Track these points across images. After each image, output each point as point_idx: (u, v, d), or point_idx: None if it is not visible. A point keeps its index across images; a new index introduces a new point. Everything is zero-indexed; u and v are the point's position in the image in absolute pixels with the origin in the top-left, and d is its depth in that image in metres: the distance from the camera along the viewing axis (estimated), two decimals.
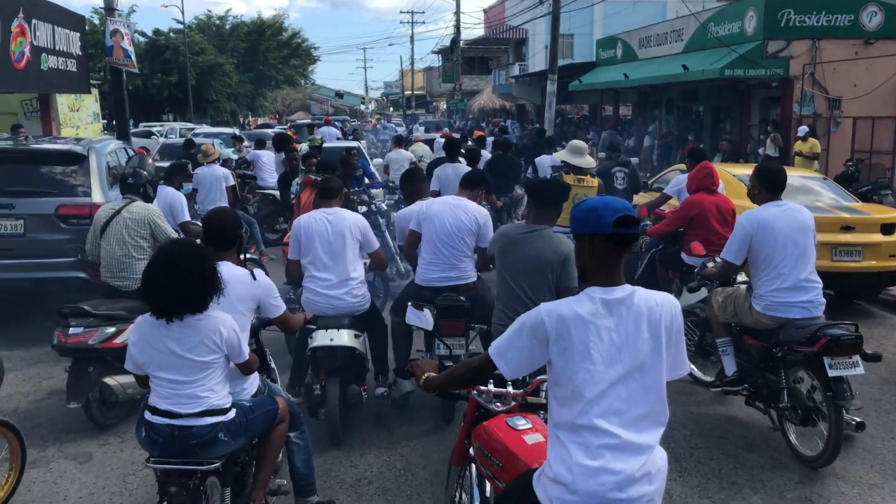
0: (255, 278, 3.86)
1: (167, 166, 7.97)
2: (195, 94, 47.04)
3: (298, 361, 5.45)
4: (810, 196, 8.44)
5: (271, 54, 57.33)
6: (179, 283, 3.23)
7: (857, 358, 4.42)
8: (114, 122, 17.40)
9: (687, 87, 22.64)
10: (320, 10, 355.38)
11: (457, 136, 16.34)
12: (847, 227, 7.64)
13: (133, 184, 5.70)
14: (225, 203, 9.79)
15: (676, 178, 8.25)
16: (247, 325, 3.81)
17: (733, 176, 8.92)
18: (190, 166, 7.98)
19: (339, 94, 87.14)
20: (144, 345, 3.31)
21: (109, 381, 4.92)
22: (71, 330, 4.97)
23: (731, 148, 18.40)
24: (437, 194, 9.64)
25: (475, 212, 5.46)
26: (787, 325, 4.70)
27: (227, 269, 3.71)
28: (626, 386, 2.41)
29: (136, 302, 5.22)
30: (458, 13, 40.93)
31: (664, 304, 2.50)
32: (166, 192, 7.07)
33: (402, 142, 16.12)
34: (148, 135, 31.74)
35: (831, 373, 4.37)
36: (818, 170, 14.12)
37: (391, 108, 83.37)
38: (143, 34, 48.96)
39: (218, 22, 56.97)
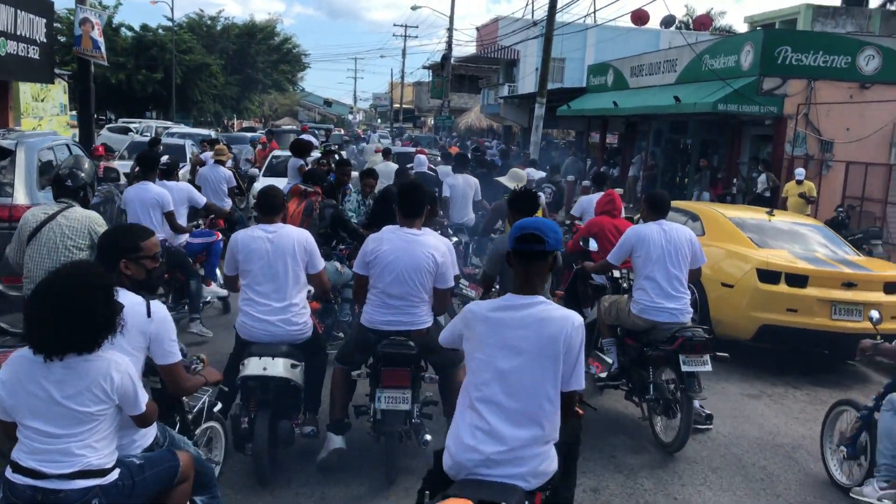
0: (149, 313, 3.14)
1: (162, 162, 7.77)
2: (180, 93, 46.23)
3: (224, 389, 4.79)
4: (807, 246, 7.83)
5: (261, 58, 56.64)
6: (63, 315, 2.67)
7: (707, 357, 5.17)
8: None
9: (676, 120, 22.16)
10: (316, 18, 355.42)
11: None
12: (849, 284, 6.99)
13: (71, 186, 4.91)
14: (228, 203, 10.02)
15: (579, 202, 9.19)
16: (139, 367, 3.13)
17: (726, 217, 8.32)
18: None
19: (328, 103, 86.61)
20: (17, 385, 2.73)
21: None
22: None
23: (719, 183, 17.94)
24: (447, 202, 9.48)
25: (433, 248, 4.70)
26: (657, 327, 5.44)
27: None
28: (507, 381, 2.84)
29: None
30: (450, 29, 40.50)
31: (563, 320, 2.88)
32: (172, 185, 7.41)
33: (390, 154, 15.94)
34: (125, 131, 30.93)
35: (684, 368, 5.11)
36: (809, 214, 13.59)
37: (379, 120, 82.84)
38: (130, 28, 48.29)
39: (209, 22, 56.16)
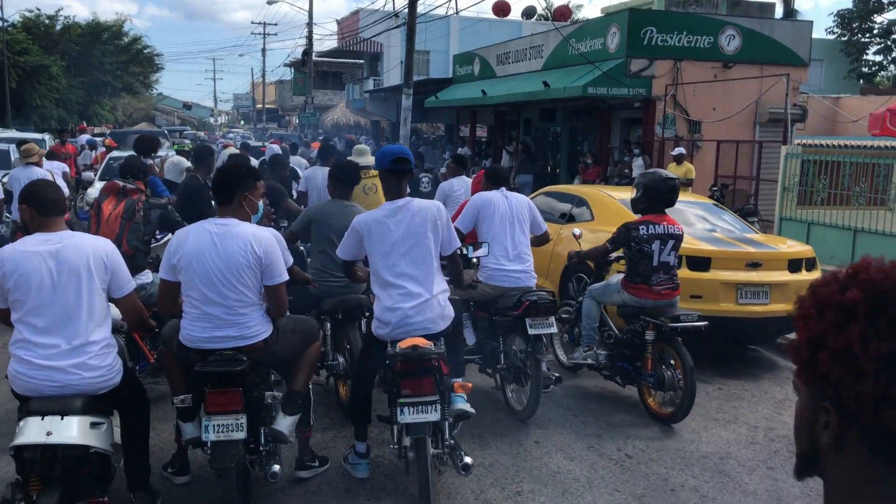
0: None
1: None
2: (16, 97, 42.28)
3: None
4: (705, 225, 7.23)
5: (108, 59, 52.93)
6: None
7: (552, 319, 5.31)
8: None
9: (545, 108, 21.81)
10: (171, 20, 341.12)
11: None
12: (753, 264, 6.40)
13: None
14: None
15: (440, 189, 8.99)
16: None
17: (615, 199, 7.64)
18: None
19: (188, 106, 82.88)
20: None
21: None
22: None
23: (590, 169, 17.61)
24: (304, 196, 8.12)
25: (251, 237, 3.70)
26: (504, 294, 5.49)
27: None
28: (409, 256, 4.08)
29: None
30: (310, 24, 38.93)
31: (430, 206, 4.22)
32: None
33: (248, 150, 15.29)
34: None
35: (531, 331, 5.20)
36: None
37: (242, 122, 79.75)
38: None
39: (47, 21, 51.89)
